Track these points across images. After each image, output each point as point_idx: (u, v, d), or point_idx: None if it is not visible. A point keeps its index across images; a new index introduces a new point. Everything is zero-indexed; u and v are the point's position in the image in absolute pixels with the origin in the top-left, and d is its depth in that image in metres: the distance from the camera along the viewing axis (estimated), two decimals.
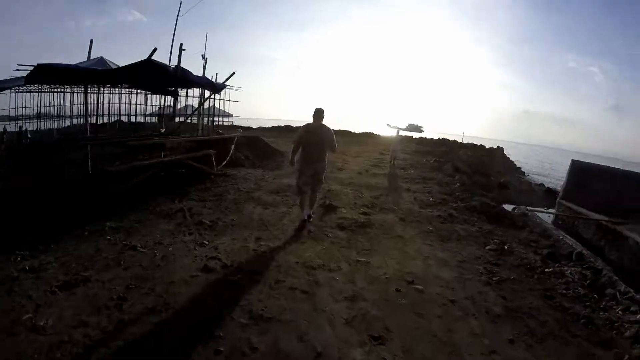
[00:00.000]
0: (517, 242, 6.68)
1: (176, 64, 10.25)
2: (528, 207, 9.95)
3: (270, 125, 36.93)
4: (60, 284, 3.89)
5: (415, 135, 27.24)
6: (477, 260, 5.61)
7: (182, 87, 12.88)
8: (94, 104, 13.34)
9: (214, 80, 12.03)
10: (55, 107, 14.45)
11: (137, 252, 4.90)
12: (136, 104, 15.91)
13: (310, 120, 6.60)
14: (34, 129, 13.87)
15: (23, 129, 12.85)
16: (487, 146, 33.52)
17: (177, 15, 13.20)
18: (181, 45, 11.03)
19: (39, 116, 14.09)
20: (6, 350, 2.88)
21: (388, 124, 19.08)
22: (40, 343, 2.97)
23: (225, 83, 12.00)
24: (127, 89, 14.94)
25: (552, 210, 10.73)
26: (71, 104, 14.44)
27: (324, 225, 6.63)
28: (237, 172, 11.02)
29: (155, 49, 8.14)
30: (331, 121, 7.29)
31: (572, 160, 10.89)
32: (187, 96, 14.57)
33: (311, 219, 6.69)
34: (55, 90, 13.88)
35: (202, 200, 7.73)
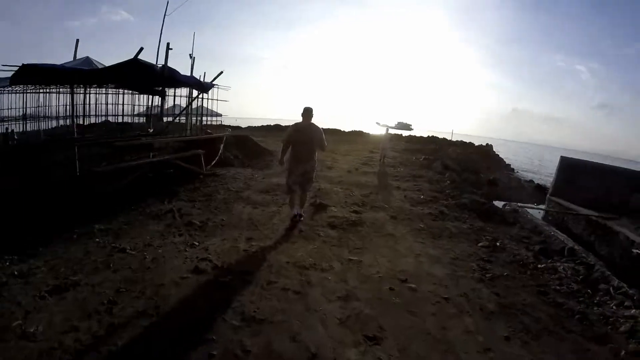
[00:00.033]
0: (508, 238, 6.70)
1: (163, 63, 10.14)
2: (518, 204, 10.00)
3: (259, 125, 36.82)
4: (50, 289, 3.80)
5: (405, 133, 27.29)
6: (469, 257, 5.61)
7: (169, 86, 12.75)
8: (80, 104, 13.14)
9: (201, 79, 11.92)
10: (42, 108, 14.25)
11: (127, 254, 4.81)
12: (123, 104, 15.72)
13: (299, 119, 6.56)
14: (20, 130, 13.66)
15: (9, 130, 12.64)
16: (477, 144, 33.70)
17: (164, 14, 13.08)
18: (168, 44, 10.92)
19: (24, 117, 13.87)
20: None
21: (377, 122, 19.09)
22: (31, 350, 2.90)
23: (213, 82, 11.90)
24: (114, 89, 14.77)
25: (542, 207, 10.78)
26: (57, 105, 14.24)
27: (315, 224, 6.59)
28: (226, 172, 10.94)
29: (141, 49, 8.03)
30: (320, 120, 7.24)
31: (562, 156, 10.95)
32: (175, 96, 14.43)
33: (302, 218, 6.65)
34: (41, 90, 13.69)
35: (191, 200, 7.64)
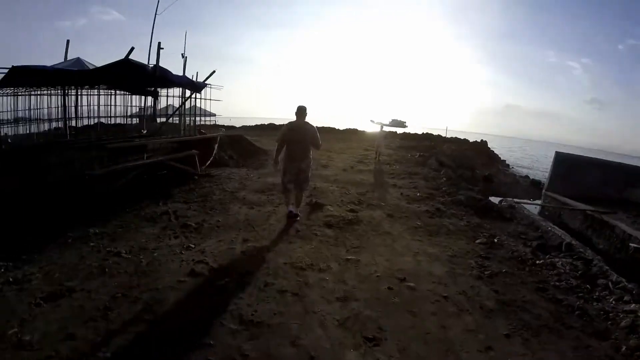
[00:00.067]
0: (506, 234, 6.70)
1: (155, 63, 10.04)
2: (515, 199, 10.00)
3: (253, 124, 36.76)
4: (45, 296, 3.73)
5: (399, 130, 27.31)
6: (467, 254, 5.59)
7: (161, 86, 12.64)
8: (72, 106, 13.01)
9: (194, 79, 11.82)
10: (33, 111, 14.10)
11: (122, 258, 4.75)
12: (116, 105, 15.58)
13: (294, 118, 6.53)
14: (12, 133, 13.51)
15: (2, 134, 12.49)
16: (471, 140, 33.78)
17: (155, 14, 12.97)
18: (159, 44, 10.80)
19: (16, 121, 13.72)
20: None
21: (372, 120, 19.10)
22: (27, 359, 2.84)
23: (206, 82, 11.81)
24: (106, 91, 14.65)
25: (539, 202, 10.81)
26: (49, 107, 14.10)
27: (312, 223, 6.55)
28: (221, 172, 10.90)
29: (132, 48, 7.94)
30: (316, 120, 7.22)
31: (556, 151, 10.97)
32: (167, 96, 14.31)
33: (298, 218, 6.62)
34: (33, 93, 13.54)
35: (186, 202, 7.58)
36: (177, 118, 14.08)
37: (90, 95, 14.94)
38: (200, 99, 12.89)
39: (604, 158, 11.72)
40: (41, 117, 14.35)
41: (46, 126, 14.78)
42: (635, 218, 7.91)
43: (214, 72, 11.64)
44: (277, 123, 33.78)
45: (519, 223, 7.61)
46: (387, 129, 19.83)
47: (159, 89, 12.68)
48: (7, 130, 13.25)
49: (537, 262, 5.41)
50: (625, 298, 4.31)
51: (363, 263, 5.00)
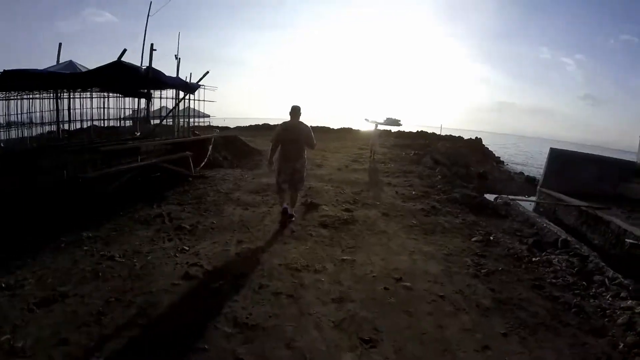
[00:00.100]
0: (501, 232, 6.69)
1: (148, 65, 9.99)
2: (510, 196, 10.01)
3: (247, 124, 36.72)
4: (38, 301, 3.68)
5: (394, 129, 27.34)
6: (463, 252, 5.58)
7: (155, 88, 12.58)
8: (65, 109, 12.94)
9: (188, 80, 11.79)
10: (26, 115, 14.01)
11: (116, 262, 4.69)
12: (109, 107, 15.50)
13: (287, 118, 6.50)
14: (5, 137, 13.42)
15: None
16: (466, 137, 33.85)
17: (148, 15, 12.90)
18: (152, 45, 10.74)
19: (9, 125, 13.63)
20: None
21: (366, 119, 19.10)
22: None
23: (199, 83, 11.78)
24: (99, 93, 14.56)
25: (534, 198, 10.82)
26: (42, 111, 14.02)
27: (307, 223, 6.52)
28: (215, 173, 10.87)
29: (124, 50, 7.90)
30: (312, 120, 7.20)
31: (551, 148, 10.99)
32: (161, 98, 14.26)
33: (293, 218, 6.59)
34: (25, 96, 13.46)
35: (180, 203, 7.53)
36: (171, 120, 14.03)
37: (83, 98, 14.85)
38: (194, 100, 12.86)
39: (598, 154, 11.76)
40: (34, 121, 14.26)
41: (39, 130, 14.68)
42: (629, 213, 7.93)
43: (207, 72, 11.62)
44: (271, 123, 33.75)
45: (514, 220, 7.62)
46: (381, 127, 19.85)
47: (152, 91, 12.62)
48: (0, 134, 13.15)
49: (533, 259, 5.41)
50: (622, 294, 4.31)
51: (359, 263, 4.97)
